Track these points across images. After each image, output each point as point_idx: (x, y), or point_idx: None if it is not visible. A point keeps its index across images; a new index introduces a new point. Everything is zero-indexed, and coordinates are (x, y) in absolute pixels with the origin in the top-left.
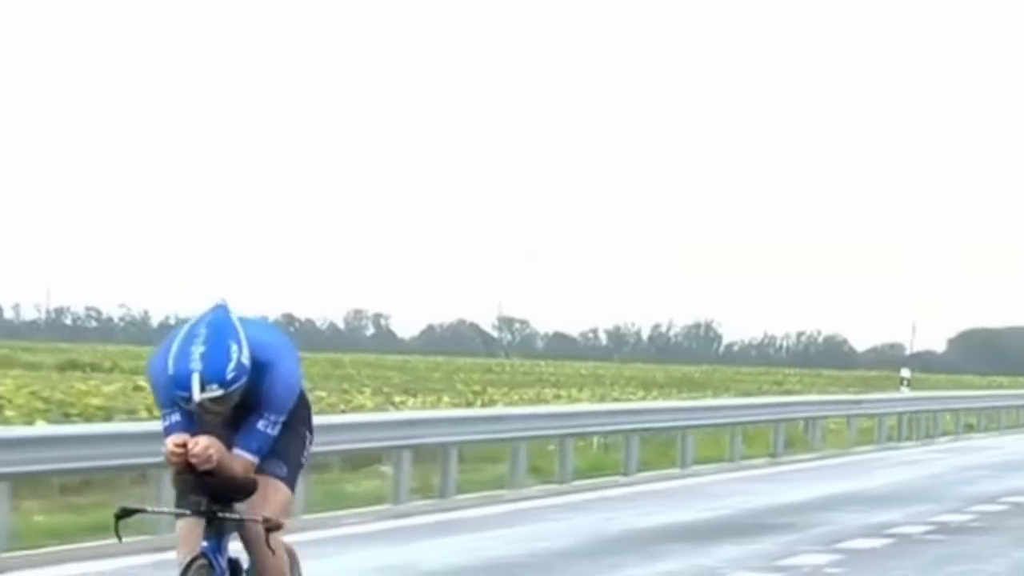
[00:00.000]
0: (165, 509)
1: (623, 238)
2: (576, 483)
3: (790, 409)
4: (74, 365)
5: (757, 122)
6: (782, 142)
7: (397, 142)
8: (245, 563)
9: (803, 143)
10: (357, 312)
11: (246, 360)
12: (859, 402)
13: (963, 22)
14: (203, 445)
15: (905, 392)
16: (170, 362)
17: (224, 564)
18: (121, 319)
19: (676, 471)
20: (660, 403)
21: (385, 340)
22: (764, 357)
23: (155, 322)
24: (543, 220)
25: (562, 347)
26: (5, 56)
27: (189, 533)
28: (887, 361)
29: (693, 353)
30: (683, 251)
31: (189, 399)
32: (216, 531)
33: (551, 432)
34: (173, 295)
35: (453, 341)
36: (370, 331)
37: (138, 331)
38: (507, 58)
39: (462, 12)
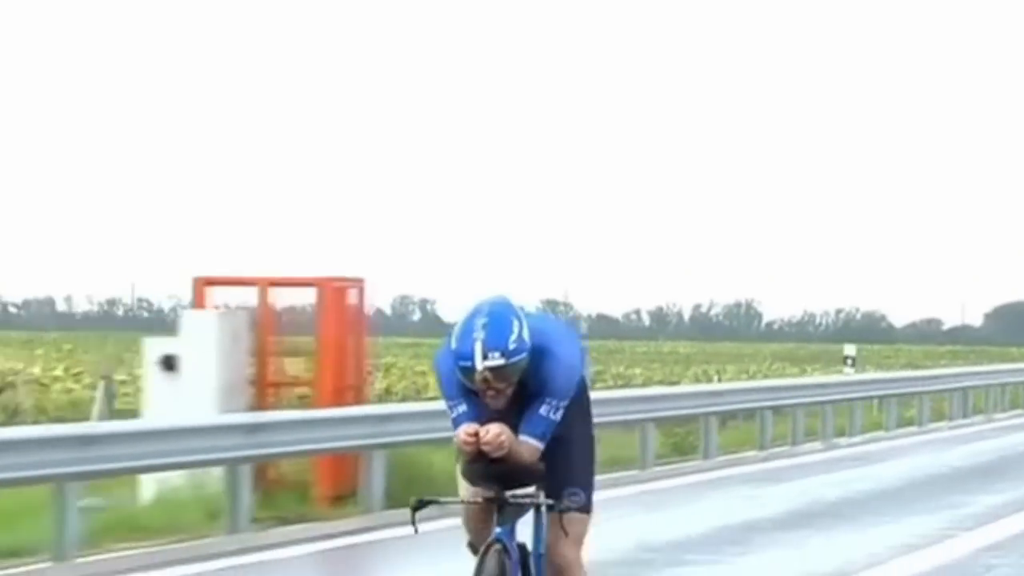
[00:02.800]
0: (458, 499)
1: (664, 220)
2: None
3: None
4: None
5: (795, 101)
6: (819, 121)
7: (440, 132)
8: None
9: (840, 122)
10: (404, 298)
11: (527, 337)
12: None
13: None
14: (494, 433)
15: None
16: (453, 339)
17: (516, 549)
18: (172, 309)
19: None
20: (872, 375)
21: (431, 325)
22: (804, 334)
23: None
24: (585, 203)
25: (606, 328)
26: (54, 50)
27: (479, 521)
28: (926, 336)
29: (734, 331)
30: (723, 231)
31: (472, 369)
32: (508, 517)
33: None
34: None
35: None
36: (416, 316)
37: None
38: (548, 49)
39: (462, 13)
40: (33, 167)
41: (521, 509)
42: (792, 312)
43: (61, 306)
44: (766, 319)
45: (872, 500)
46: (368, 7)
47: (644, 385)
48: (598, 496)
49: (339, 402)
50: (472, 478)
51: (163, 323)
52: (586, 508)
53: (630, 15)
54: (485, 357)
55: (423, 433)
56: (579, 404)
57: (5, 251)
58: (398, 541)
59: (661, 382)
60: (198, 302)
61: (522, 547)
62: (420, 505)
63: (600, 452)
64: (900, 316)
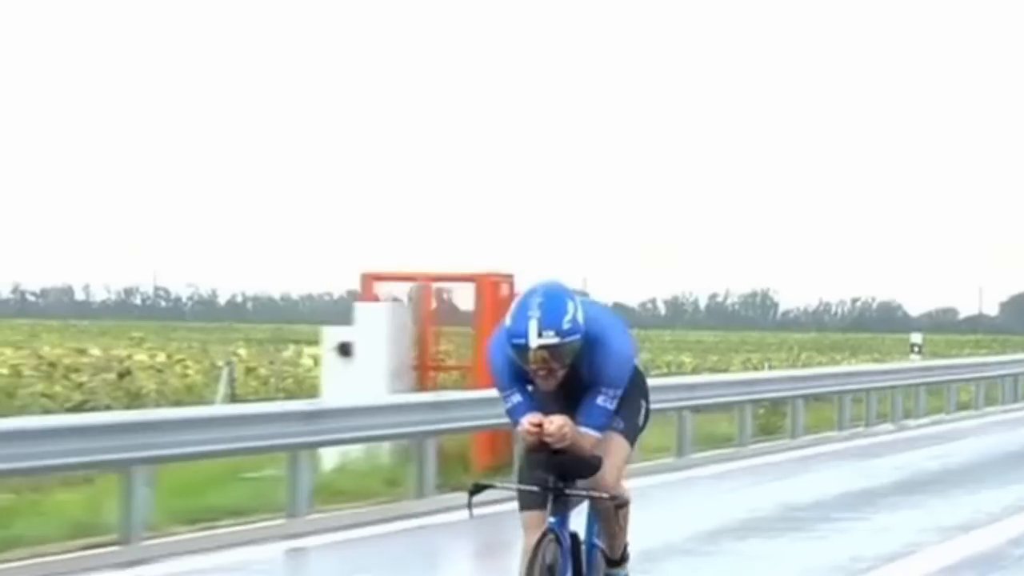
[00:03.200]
0: (513, 485)
1: (680, 209)
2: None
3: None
4: (283, 339)
5: (813, 90)
6: (835, 109)
7: (457, 122)
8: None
9: (856, 111)
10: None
11: (581, 320)
12: None
13: None
14: (558, 424)
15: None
16: (508, 318)
17: (568, 538)
18: (189, 298)
19: (943, 416)
20: (938, 362)
21: (457, 315)
22: (819, 323)
23: (223, 301)
24: (602, 192)
25: (622, 317)
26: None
27: (537, 519)
28: (941, 326)
29: (750, 321)
30: (739, 220)
31: (526, 347)
32: (562, 507)
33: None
34: (241, 274)
35: None
36: (433, 305)
37: (206, 309)
38: (566, 42)
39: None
40: (55, 157)
41: (576, 500)
42: (808, 301)
43: (79, 295)
44: (782, 308)
45: (969, 470)
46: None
47: (695, 372)
48: (722, 468)
49: None
50: (532, 467)
51: (180, 312)
52: (627, 436)
53: (648, 9)
54: (539, 335)
55: None
56: (633, 386)
57: (22, 240)
58: None
59: (712, 369)
60: (367, 295)
61: (574, 536)
62: (477, 489)
63: (700, 431)
64: (915, 305)
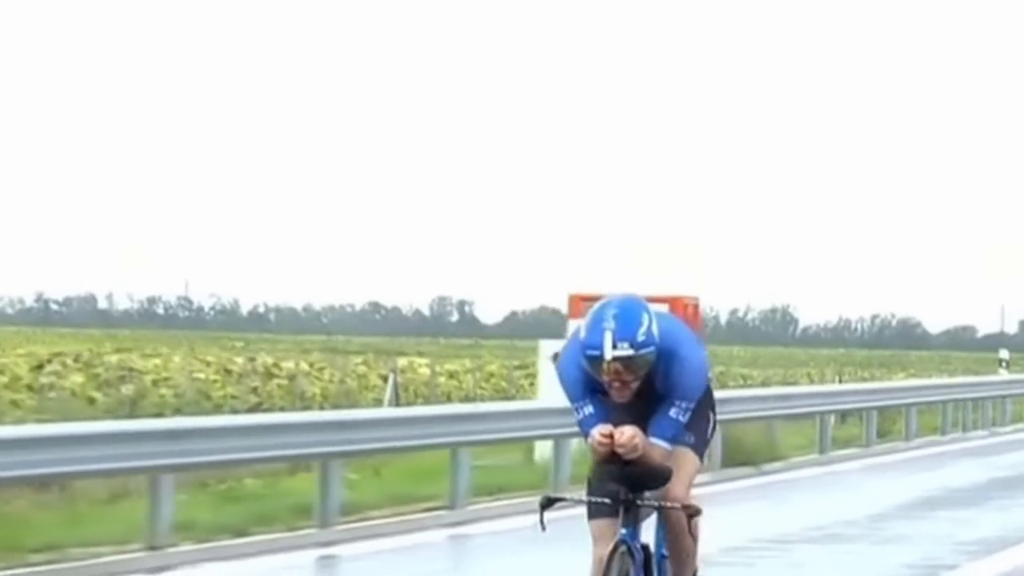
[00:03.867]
0: (585, 497)
1: (698, 224)
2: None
3: None
4: (334, 350)
5: (831, 104)
6: (855, 124)
7: (476, 136)
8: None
9: (876, 126)
10: (442, 299)
11: (656, 331)
12: None
13: None
14: (629, 435)
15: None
16: (583, 330)
17: (640, 550)
18: (211, 308)
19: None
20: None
21: (469, 326)
22: (840, 340)
23: (244, 311)
24: (620, 206)
25: None
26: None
27: (606, 529)
28: (960, 343)
29: (771, 336)
30: (759, 236)
31: (600, 358)
32: (633, 518)
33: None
34: (264, 284)
35: (535, 326)
36: (454, 317)
37: (228, 319)
38: (569, 53)
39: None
40: (77, 165)
41: (647, 511)
42: (828, 317)
43: (102, 303)
44: (802, 324)
45: None
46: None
47: (765, 384)
48: (862, 463)
49: None
50: (604, 478)
51: (203, 321)
52: (696, 450)
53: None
54: (614, 347)
55: (751, 412)
56: (704, 400)
57: (44, 249)
58: (732, 491)
59: (783, 382)
60: (575, 313)
61: (645, 548)
62: (549, 503)
63: (829, 434)
64: (935, 322)
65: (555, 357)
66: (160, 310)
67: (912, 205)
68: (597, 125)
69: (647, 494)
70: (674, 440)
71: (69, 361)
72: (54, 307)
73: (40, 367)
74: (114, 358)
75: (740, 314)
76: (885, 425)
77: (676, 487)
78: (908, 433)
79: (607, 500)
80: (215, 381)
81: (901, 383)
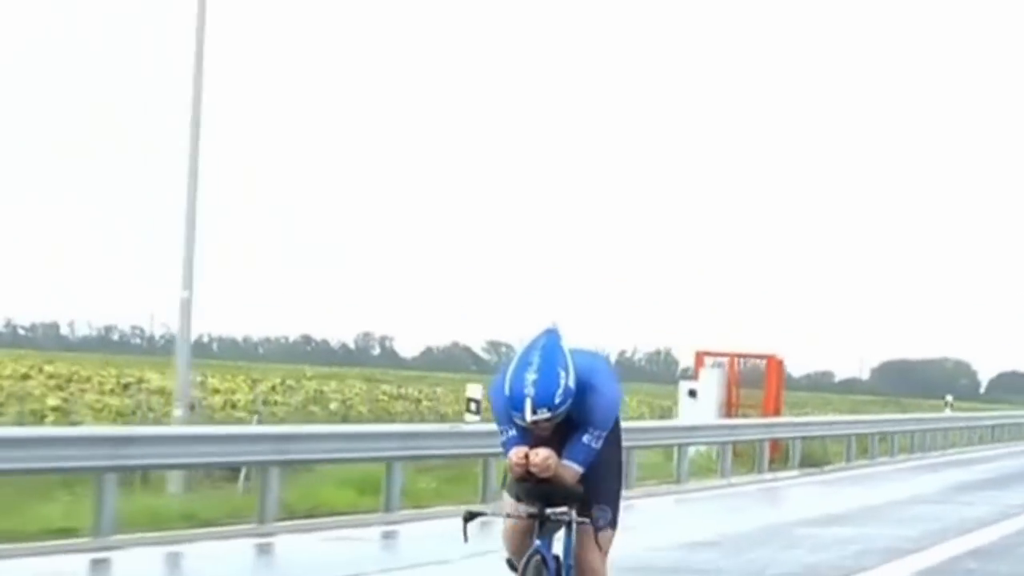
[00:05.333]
0: (505, 512)
1: (593, 270)
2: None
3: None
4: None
5: (754, 140)
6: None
7: (397, 177)
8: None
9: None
10: (366, 335)
11: (572, 384)
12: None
13: None
14: (543, 456)
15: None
16: (507, 386)
17: (552, 560)
18: (161, 337)
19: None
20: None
21: (390, 359)
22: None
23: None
24: (522, 254)
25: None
26: None
27: (519, 534)
28: (818, 386)
29: (656, 376)
30: (643, 283)
31: (523, 419)
32: (548, 531)
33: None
34: (204, 316)
35: (448, 362)
36: (376, 351)
37: (173, 346)
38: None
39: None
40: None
41: (559, 525)
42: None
43: (64, 330)
44: (682, 365)
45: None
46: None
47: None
48: (867, 471)
49: (775, 414)
50: (519, 495)
51: (153, 348)
52: (612, 524)
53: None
54: (534, 412)
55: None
56: (613, 432)
57: (12, 277)
58: (784, 487)
59: None
60: (698, 364)
61: (557, 558)
62: (471, 517)
63: (897, 443)
64: (797, 366)
65: (690, 392)
66: (115, 337)
67: (781, 252)
68: (512, 168)
69: (558, 510)
70: (585, 463)
71: None
72: (21, 332)
73: None
74: None
75: (628, 354)
76: (862, 446)
77: (593, 553)
78: (893, 451)
79: (522, 516)
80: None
81: (889, 416)
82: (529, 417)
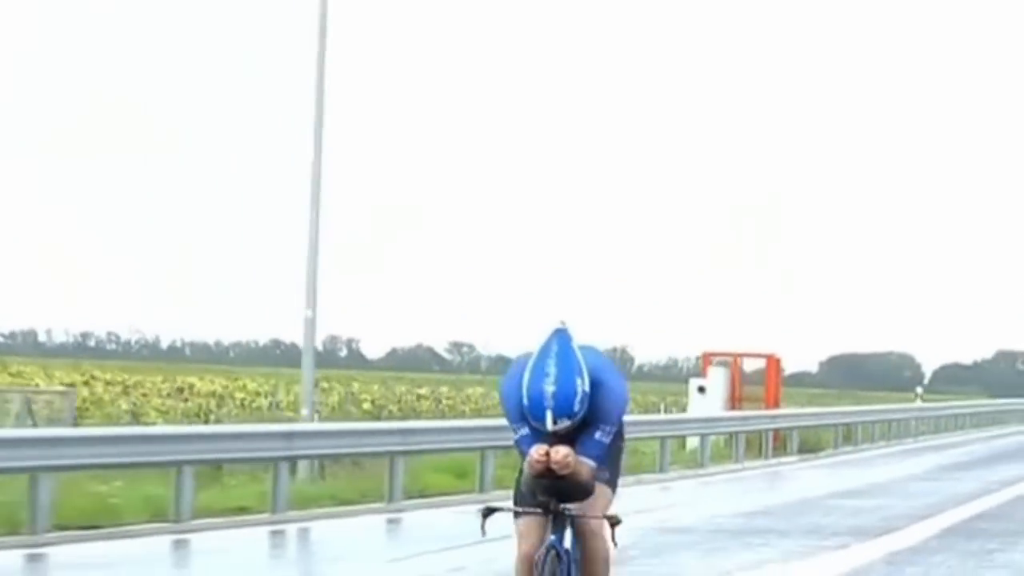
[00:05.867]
0: (520, 508)
1: (554, 267)
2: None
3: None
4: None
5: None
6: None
7: (369, 178)
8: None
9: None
10: (334, 337)
11: (587, 388)
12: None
13: None
14: (563, 453)
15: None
16: (525, 395)
17: (565, 553)
18: (136, 342)
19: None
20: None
21: (356, 361)
22: (669, 376)
23: (164, 345)
24: (480, 256)
25: (504, 368)
26: None
27: (533, 528)
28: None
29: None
30: (596, 280)
31: (544, 427)
32: (561, 526)
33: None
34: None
35: (413, 362)
36: (344, 353)
37: (150, 352)
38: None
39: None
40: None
41: (570, 520)
42: (659, 357)
43: (41, 337)
44: (638, 362)
45: (988, 458)
46: None
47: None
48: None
49: (775, 407)
50: (536, 490)
51: (128, 354)
52: (611, 484)
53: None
54: (555, 422)
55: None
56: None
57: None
58: (792, 470)
59: None
60: (705, 364)
61: (568, 552)
62: (489, 512)
63: (878, 431)
64: (747, 362)
65: (700, 388)
66: (92, 343)
67: (730, 251)
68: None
69: (571, 506)
70: (598, 459)
71: None
72: (0, 339)
73: None
74: None
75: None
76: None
77: (595, 510)
78: (861, 440)
79: (539, 510)
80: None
81: (857, 408)
82: (551, 427)
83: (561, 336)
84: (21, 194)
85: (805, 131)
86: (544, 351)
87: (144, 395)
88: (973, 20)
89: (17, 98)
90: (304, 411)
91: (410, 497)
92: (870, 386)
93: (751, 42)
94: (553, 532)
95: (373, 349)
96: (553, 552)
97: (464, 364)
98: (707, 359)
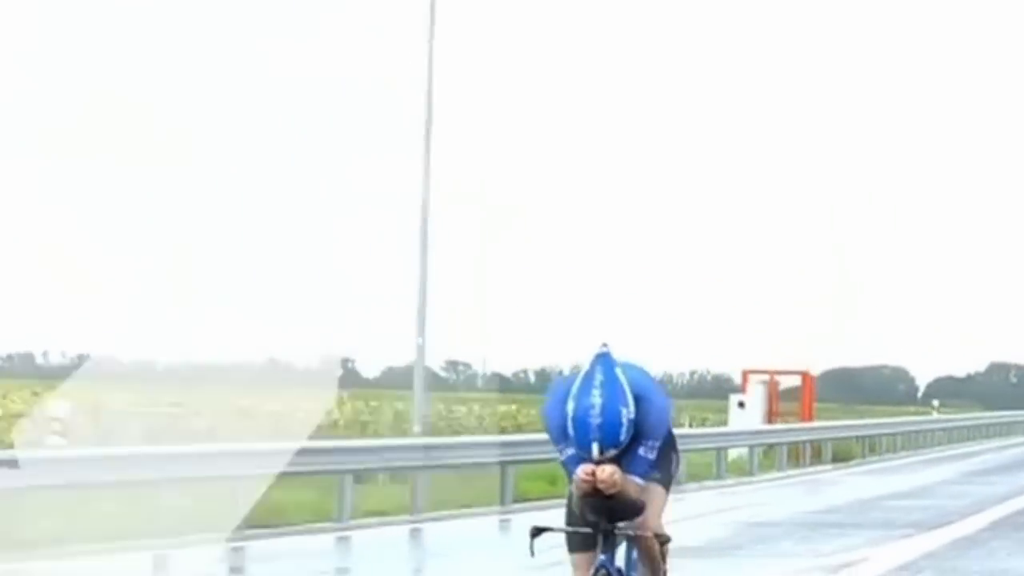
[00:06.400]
0: (570, 528)
1: (546, 287)
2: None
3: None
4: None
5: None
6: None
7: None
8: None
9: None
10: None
11: (632, 414)
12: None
13: None
14: (609, 472)
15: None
16: (571, 426)
17: (617, 572)
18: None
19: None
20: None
21: (352, 379)
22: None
23: (160, 368)
24: (472, 276)
25: (499, 386)
26: None
27: (587, 558)
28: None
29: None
30: (596, 295)
31: (591, 457)
32: (611, 546)
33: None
34: (179, 342)
35: (409, 381)
36: (339, 372)
37: (142, 371)
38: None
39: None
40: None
41: (622, 539)
42: (654, 372)
43: (39, 360)
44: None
45: (1008, 465)
46: None
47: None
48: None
49: (810, 420)
50: (585, 510)
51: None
52: (664, 484)
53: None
54: (602, 452)
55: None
56: (669, 438)
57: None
58: (833, 477)
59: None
60: (744, 381)
61: (620, 571)
62: (537, 532)
63: (899, 442)
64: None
65: (740, 404)
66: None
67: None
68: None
69: (622, 524)
70: (645, 475)
71: None
72: None
73: None
74: None
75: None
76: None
77: (650, 518)
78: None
79: (589, 530)
80: None
81: (880, 420)
82: (597, 457)
83: (604, 360)
84: (20, 194)
85: (791, 142)
86: (588, 379)
87: None
88: (971, 28)
89: (17, 98)
90: (416, 427)
91: (516, 501)
92: (864, 400)
93: (788, 41)
94: (603, 552)
95: (369, 368)
96: (603, 572)
97: (460, 382)
98: (746, 376)
